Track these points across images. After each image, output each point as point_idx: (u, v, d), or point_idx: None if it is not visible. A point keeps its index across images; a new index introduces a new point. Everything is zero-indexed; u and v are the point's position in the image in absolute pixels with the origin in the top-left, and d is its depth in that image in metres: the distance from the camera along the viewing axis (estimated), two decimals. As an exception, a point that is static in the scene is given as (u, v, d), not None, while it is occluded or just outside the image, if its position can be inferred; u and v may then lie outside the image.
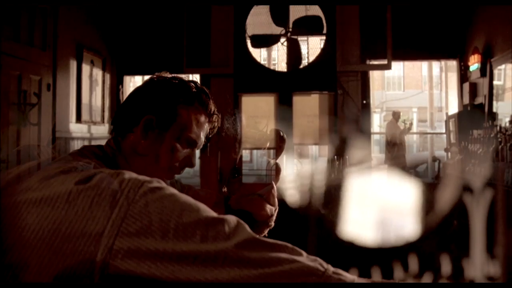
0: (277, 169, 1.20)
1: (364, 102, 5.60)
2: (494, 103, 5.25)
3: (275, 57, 12.05)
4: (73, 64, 5.18)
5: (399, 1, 5.43)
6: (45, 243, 0.67)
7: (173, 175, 1.04)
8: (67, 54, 5.04)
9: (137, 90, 1.04)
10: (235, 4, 5.42)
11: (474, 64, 5.47)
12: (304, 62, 5.83)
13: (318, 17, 5.36)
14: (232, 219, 0.70)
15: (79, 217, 0.68)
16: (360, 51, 5.42)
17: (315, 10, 5.66)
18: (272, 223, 1.15)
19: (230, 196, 1.16)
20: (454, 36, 5.88)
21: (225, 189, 1.21)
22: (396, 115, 8.43)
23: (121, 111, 1.03)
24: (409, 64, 16.53)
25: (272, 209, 1.13)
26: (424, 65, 16.80)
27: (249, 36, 5.49)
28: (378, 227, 2.57)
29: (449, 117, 6.35)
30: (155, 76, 1.05)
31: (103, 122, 5.83)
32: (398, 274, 2.55)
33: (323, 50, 5.50)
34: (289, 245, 0.70)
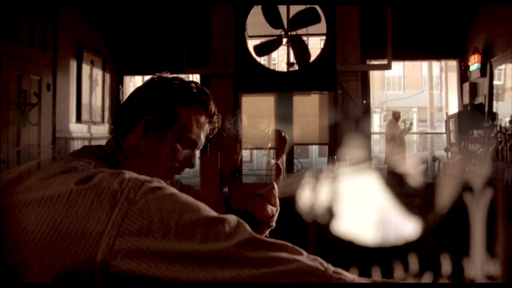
0: (278, 169, 1.20)
1: (364, 102, 5.60)
2: (494, 103, 5.25)
3: (275, 57, 12.05)
4: (73, 64, 5.18)
5: (399, 1, 5.43)
6: (46, 243, 0.67)
7: (173, 175, 1.04)
8: (67, 54, 5.04)
9: (138, 90, 1.04)
10: (235, 4, 5.42)
11: (474, 64, 5.47)
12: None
13: (313, 8, 5.37)
14: (232, 218, 0.70)
15: (80, 217, 0.68)
16: (360, 51, 5.42)
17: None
18: (273, 223, 1.15)
19: (231, 196, 1.15)
20: (454, 36, 5.88)
21: (226, 189, 1.21)
22: (396, 115, 8.43)
23: (121, 111, 1.03)
24: (409, 64, 16.52)
25: (273, 209, 1.13)
26: (424, 65, 16.81)
27: (253, 47, 5.52)
28: (378, 227, 2.57)
29: (449, 117, 6.36)
30: (155, 76, 1.05)
31: (103, 122, 5.83)
32: (398, 273, 2.55)
33: (323, 50, 5.51)
34: (289, 244, 0.70)
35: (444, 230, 2.84)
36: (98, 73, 5.72)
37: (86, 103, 5.41)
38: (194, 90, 1.03)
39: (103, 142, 1.01)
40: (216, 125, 1.08)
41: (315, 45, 5.90)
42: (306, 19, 5.42)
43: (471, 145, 4.50)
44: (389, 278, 0.75)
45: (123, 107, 1.03)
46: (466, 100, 5.79)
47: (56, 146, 4.60)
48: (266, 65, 5.63)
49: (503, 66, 5.29)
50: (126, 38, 6.08)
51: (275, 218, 1.15)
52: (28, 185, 0.74)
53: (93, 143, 4.09)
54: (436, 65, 15.60)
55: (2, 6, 3.05)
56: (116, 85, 6.16)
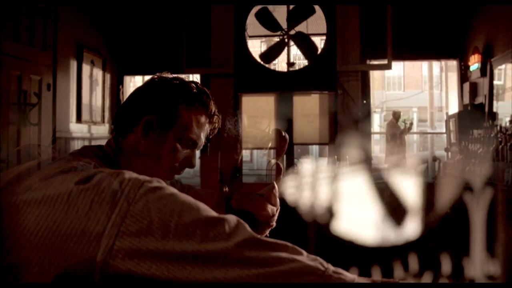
0: (279, 169, 1.19)
1: (364, 102, 5.60)
2: (494, 103, 5.25)
3: (275, 57, 12.02)
4: (74, 64, 5.18)
5: (399, 1, 5.43)
6: (45, 243, 0.67)
7: (173, 175, 1.04)
8: (68, 54, 5.04)
9: (138, 90, 1.04)
10: (235, 4, 5.42)
11: (474, 64, 5.47)
12: (305, 62, 5.84)
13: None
14: (232, 218, 0.70)
15: (79, 217, 0.68)
16: (360, 51, 5.42)
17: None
18: (274, 223, 1.14)
19: (231, 196, 1.15)
20: (454, 36, 5.88)
21: (226, 189, 1.21)
22: (396, 115, 8.43)
23: (121, 111, 1.03)
24: (409, 64, 16.53)
25: (273, 209, 1.12)
26: (424, 65, 16.82)
27: (259, 56, 5.54)
28: (378, 227, 2.57)
29: (449, 117, 6.36)
30: (156, 76, 1.05)
31: (103, 122, 5.84)
32: (398, 273, 2.55)
33: (323, 50, 5.51)
34: (289, 244, 0.70)
35: (444, 230, 2.84)
36: (98, 73, 5.72)
37: (86, 103, 5.42)
38: (194, 90, 1.03)
39: (103, 142, 1.01)
40: (216, 125, 1.09)
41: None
42: (301, 13, 5.43)
43: (471, 145, 4.50)
44: (389, 278, 0.75)
45: (123, 107, 1.03)
46: (466, 100, 5.79)
47: (56, 146, 4.60)
48: (266, 65, 5.62)
49: (503, 66, 5.29)
50: (126, 38, 6.08)
51: (276, 218, 1.14)
52: (28, 185, 0.74)
53: (93, 143, 4.08)
54: (436, 65, 15.61)
55: (2, 6, 3.05)
56: (116, 85, 6.16)
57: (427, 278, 2.51)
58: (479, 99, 5.49)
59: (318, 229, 2.88)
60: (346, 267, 0.71)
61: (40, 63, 4.41)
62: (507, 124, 4.18)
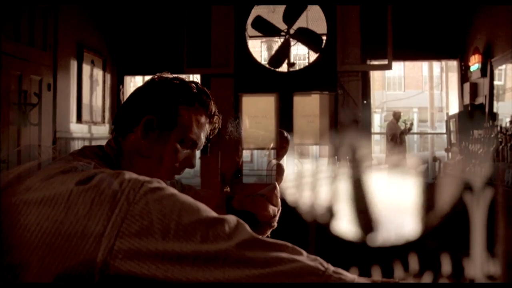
0: (280, 170, 1.19)
1: (365, 102, 5.60)
2: (495, 103, 5.25)
3: (276, 57, 12.02)
4: (74, 64, 5.18)
5: (399, 1, 5.42)
6: (46, 244, 0.67)
7: (173, 175, 1.04)
8: (68, 54, 5.04)
9: (138, 90, 1.04)
10: (235, 4, 5.42)
11: (474, 64, 5.47)
12: (305, 62, 5.84)
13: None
14: (232, 219, 0.70)
15: (80, 218, 0.68)
16: (360, 51, 5.41)
17: (315, 10, 5.67)
18: (275, 224, 1.14)
19: (232, 196, 1.15)
20: (454, 36, 5.88)
21: (227, 189, 1.21)
22: (396, 115, 8.43)
23: (121, 111, 1.03)
24: (409, 64, 16.53)
25: (275, 210, 1.12)
26: (424, 65, 16.81)
27: (267, 63, 5.54)
28: (379, 226, 2.57)
29: (449, 117, 6.36)
30: (156, 76, 1.05)
31: (103, 122, 5.84)
32: (398, 273, 2.55)
33: (323, 50, 5.50)
34: (289, 244, 0.70)
35: (444, 230, 2.84)
36: (98, 73, 5.72)
37: (86, 103, 5.41)
38: (195, 90, 1.03)
39: (103, 142, 1.01)
40: (217, 125, 1.09)
41: (316, 45, 5.90)
42: (295, 11, 5.44)
43: (471, 145, 4.50)
44: (389, 278, 0.75)
45: (123, 107, 1.03)
46: (467, 100, 5.79)
47: (57, 147, 4.60)
48: (267, 65, 5.61)
49: (503, 66, 5.29)
50: (126, 38, 6.08)
51: (277, 218, 1.14)
52: (28, 186, 0.74)
53: (94, 143, 4.09)
54: (436, 65, 15.60)
55: (3, 5, 3.05)
56: (117, 85, 6.16)
57: (427, 278, 2.51)
58: (480, 100, 5.49)
59: (318, 229, 2.88)
60: (346, 267, 0.71)
61: (40, 63, 4.41)
62: (507, 124, 4.18)
